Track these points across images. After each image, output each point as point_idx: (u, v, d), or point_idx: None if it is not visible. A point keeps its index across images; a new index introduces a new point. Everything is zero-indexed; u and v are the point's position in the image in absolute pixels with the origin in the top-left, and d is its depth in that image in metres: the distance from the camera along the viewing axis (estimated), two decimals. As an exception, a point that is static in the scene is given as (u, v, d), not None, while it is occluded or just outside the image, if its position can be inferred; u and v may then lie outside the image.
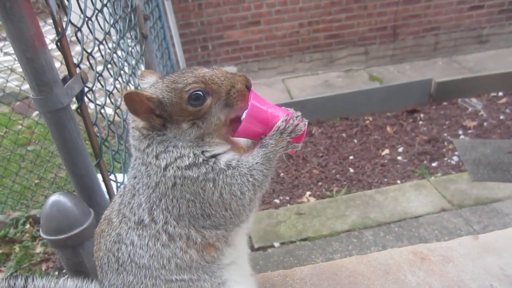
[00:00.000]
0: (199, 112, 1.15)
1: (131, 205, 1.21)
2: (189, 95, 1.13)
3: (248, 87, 1.19)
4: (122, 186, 1.32)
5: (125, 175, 2.11)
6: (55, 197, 1.38)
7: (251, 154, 1.21)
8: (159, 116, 1.16)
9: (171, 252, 1.18)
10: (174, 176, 1.14)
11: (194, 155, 1.16)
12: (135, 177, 1.21)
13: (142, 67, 3.03)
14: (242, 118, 1.18)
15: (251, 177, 1.18)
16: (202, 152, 1.17)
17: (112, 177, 1.87)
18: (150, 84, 1.24)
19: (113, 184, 1.86)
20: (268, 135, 1.20)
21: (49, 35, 2.25)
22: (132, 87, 2.63)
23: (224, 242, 1.25)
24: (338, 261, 1.87)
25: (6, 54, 3.67)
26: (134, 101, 1.10)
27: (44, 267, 3.53)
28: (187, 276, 1.21)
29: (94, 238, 1.32)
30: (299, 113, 1.22)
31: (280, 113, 1.20)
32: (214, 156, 1.18)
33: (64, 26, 1.46)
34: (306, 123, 1.22)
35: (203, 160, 1.15)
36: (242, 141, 1.33)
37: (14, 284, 1.17)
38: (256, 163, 1.19)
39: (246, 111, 1.17)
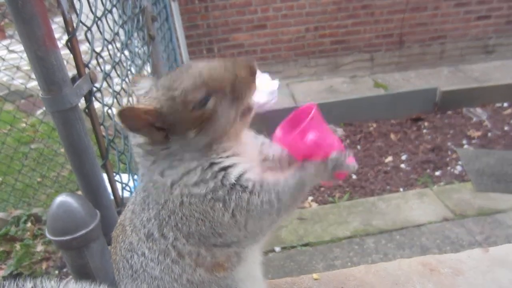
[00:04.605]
0: (203, 116, 1.02)
1: (141, 218, 1.17)
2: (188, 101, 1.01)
3: (253, 72, 1.05)
4: (134, 192, 1.28)
5: (130, 176, 2.11)
6: (62, 198, 1.37)
7: (284, 176, 1.10)
8: (160, 129, 1.03)
9: (181, 269, 1.14)
10: (181, 194, 1.06)
11: (202, 169, 1.06)
12: (145, 191, 1.16)
13: (149, 68, 3.02)
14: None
15: (278, 202, 1.07)
16: (211, 164, 1.07)
17: (117, 178, 1.86)
18: (145, 90, 1.11)
19: (118, 185, 1.86)
20: (313, 161, 1.08)
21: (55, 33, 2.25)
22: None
23: (235, 261, 1.19)
24: (346, 270, 1.86)
25: (11, 51, 3.66)
26: (130, 118, 0.98)
27: (44, 266, 3.52)
28: None
29: (112, 240, 1.32)
30: (351, 153, 1.12)
31: (335, 141, 1.10)
32: (224, 169, 1.07)
33: (74, 26, 1.46)
34: (356, 166, 1.13)
35: (211, 174, 1.06)
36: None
37: (23, 286, 1.16)
38: (288, 186, 1.08)
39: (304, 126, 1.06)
